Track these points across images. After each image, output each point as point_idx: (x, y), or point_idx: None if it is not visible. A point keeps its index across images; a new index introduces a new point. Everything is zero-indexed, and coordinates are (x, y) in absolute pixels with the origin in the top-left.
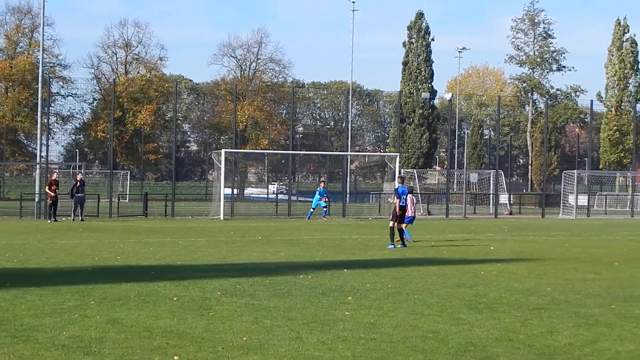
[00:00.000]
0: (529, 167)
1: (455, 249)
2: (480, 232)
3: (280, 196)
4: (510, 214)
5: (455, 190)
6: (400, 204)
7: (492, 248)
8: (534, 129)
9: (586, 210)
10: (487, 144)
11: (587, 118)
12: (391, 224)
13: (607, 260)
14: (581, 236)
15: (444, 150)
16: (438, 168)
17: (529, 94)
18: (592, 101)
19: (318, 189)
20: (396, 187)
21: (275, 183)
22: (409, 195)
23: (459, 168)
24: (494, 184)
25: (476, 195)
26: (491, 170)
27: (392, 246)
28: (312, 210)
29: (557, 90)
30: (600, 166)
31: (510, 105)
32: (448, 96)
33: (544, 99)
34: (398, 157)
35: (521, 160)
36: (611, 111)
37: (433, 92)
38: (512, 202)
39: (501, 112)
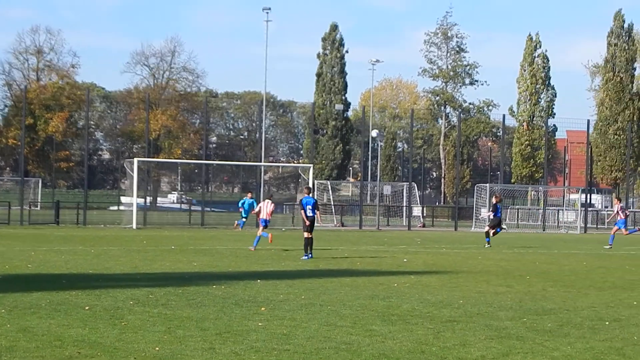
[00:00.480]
0: (442, 180)
1: (369, 260)
2: (394, 244)
3: (183, 206)
4: (423, 226)
5: (368, 202)
6: (306, 214)
7: (405, 260)
8: (446, 142)
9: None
10: (400, 156)
11: (499, 132)
12: (306, 234)
13: (518, 274)
14: (493, 249)
15: (357, 161)
16: (352, 180)
17: (442, 107)
18: (504, 115)
19: (245, 198)
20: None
21: (175, 192)
22: (267, 201)
23: (372, 180)
24: (407, 196)
25: (389, 208)
26: (404, 183)
27: (306, 257)
28: (244, 220)
29: (470, 104)
30: (513, 180)
31: (424, 118)
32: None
33: (457, 112)
34: (312, 168)
35: (434, 173)
36: (523, 126)
37: (347, 104)
38: (425, 214)
39: (414, 125)
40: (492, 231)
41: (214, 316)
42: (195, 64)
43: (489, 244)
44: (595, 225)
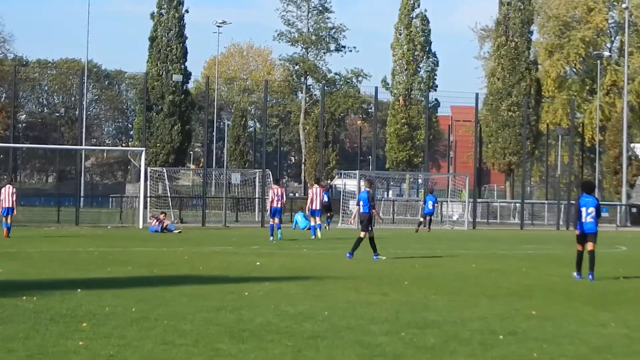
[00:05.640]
0: (302, 166)
1: (214, 264)
2: (244, 244)
3: None
4: (280, 222)
5: (213, 193)
6: (363, 211)
7: (258, 264)
8: (307, 120)
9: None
10: (252, 138)
11: (371, 109)
12: (361, 234)
13: (395, 279)
14: (363, 250)
15: (199, 144)
16: (192, 166)
17: (303, 79)
18: (376, 88)
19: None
20: (361, 190)
21: None
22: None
23: (218, 167)
24: (260, 186)
25: (239, 200)
26: (257, 170)
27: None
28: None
29: (336, 74)
30: (387, 166)
31: (280, 91)
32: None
33: (320, 84)
34: (144, 152)
35: (293, 157)
36: (399, 101)
37: (187, 75)
38: None
39: (269, 99)
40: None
41: (24, 334)
42: (0, 27)
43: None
44: (486, 220)
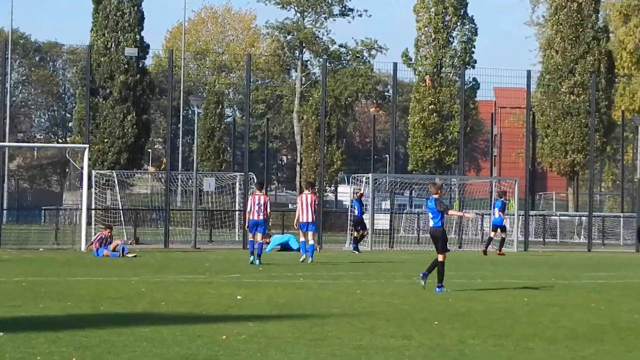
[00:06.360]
0: (298, 167)
1: (180, 298)
2: (220, 271)
3: None
4: (268, 239)
5: (179, 204)
6: (434, 225)
7: (239, 297)
8: (304, 107)
9: (388, 237)
10: (230, 131)
11: (387, 92)
12: (440, 257)
13: (421, 317)
14: (379, 278)
15: (161, 140)
16: (152, 169)
17: (297, 53)
18: (395, 65)
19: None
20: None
21: None
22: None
23: (185, 169)
24: (241, 194)
25: (213, 213)
26: (237, 174)
27: (440, 289)
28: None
29: (342, 46)
30: (410, 167)
31: (268, 69)
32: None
33: (321, 60)
34: (87, 150)
35: (285, 157)
36: (425, 81)
37: (144, 48)
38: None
39: (253, 79)
40: (356, 233)
41: None
42: None
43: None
44: (541, 239)
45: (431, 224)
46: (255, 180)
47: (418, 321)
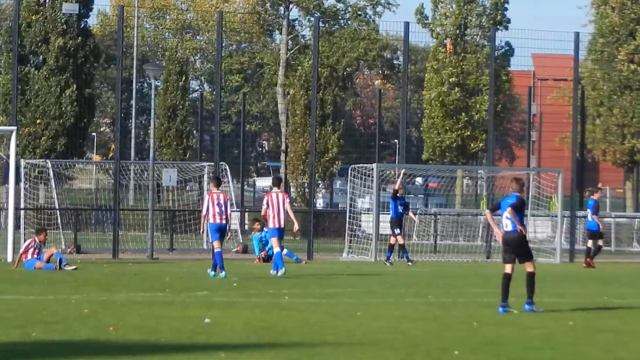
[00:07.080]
0: (283, 155)
1: (134, 322)
2: (185, 287)
3: None
4: (244, 251)
5: (131, 202)
6: (512, 228)
7: (207, 321)
8: (291, 79)
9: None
10: (197, 109)
11: (397, 59)
12: (507, 268)
13: (438, 346)
14: (387, 297)
15: (108, 121)
16: (96, 158)
17: (282, 9)
18: (407, 24)
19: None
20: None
21: None
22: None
23: (140, 158)
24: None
25: (175, 214)
26: (205, 164)
27: (503, 310)
28: None
29: (339, 1)
30: (425, 156)
31: (245, 31)
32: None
33: (312, 19)
34: (15, 134)
35: (266, 142)
36: (445, 45)
37: (87, 2)
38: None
39: (226, 44)
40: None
41: None
42: None
43: (389, 262)
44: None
45: (510, 227)
46: (224, 173)
47: (434, 351)
